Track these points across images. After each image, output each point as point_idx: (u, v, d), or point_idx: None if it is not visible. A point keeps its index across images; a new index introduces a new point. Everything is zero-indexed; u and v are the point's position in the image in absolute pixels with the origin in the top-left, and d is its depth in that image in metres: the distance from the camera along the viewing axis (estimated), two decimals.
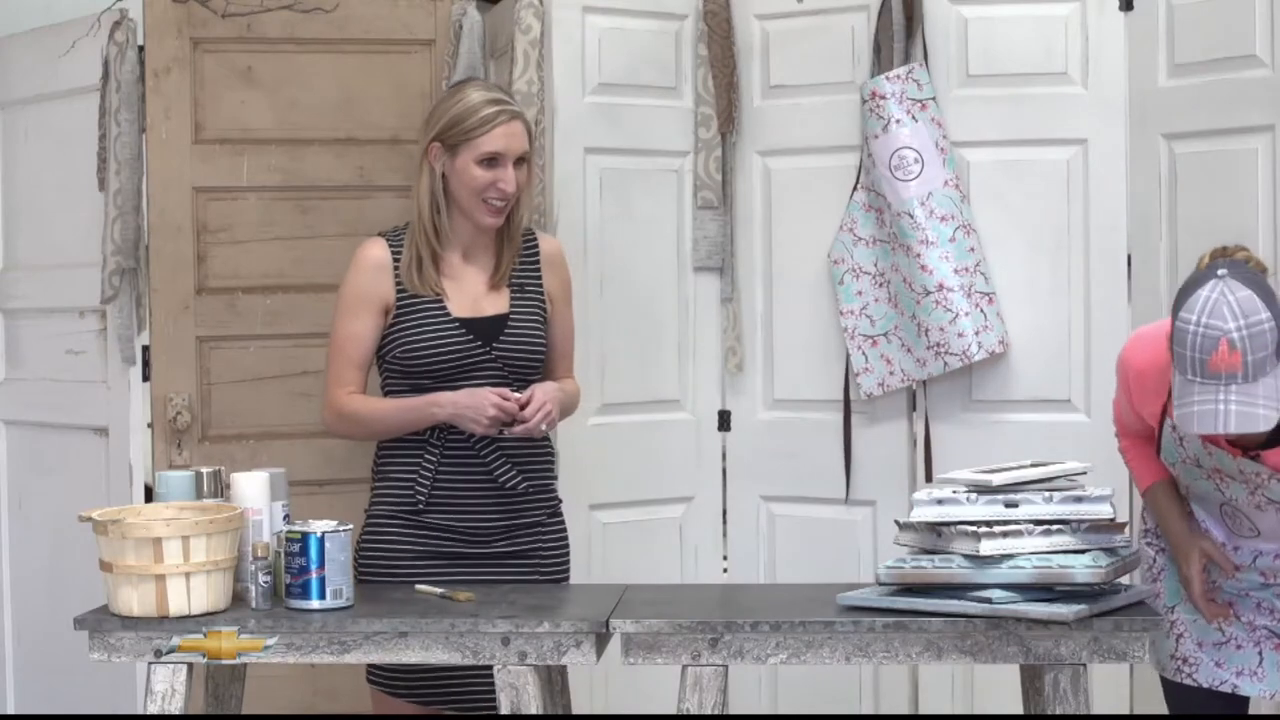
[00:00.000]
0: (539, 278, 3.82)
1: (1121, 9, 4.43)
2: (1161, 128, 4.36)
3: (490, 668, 3.33)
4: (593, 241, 4.57)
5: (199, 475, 3.51)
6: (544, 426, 3.64)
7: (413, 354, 3.69)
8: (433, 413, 3.66)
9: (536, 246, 3.85)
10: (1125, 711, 4.44)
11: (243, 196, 4.63)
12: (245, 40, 4.61)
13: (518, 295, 3.77)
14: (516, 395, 3.63)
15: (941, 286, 4.39)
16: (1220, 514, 3.39)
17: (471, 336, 3.70)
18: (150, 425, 4.67)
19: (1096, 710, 4.02)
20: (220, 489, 3.52)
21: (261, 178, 4.61)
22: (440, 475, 3.70)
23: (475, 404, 3.61)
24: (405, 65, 4.71)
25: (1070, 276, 4.46)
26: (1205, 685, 3.44)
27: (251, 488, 3.45)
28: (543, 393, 3.65)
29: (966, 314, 4.39)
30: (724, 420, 4.75)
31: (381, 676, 3.73)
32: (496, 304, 3.75)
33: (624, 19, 4.62)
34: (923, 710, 4.57)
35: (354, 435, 3.85)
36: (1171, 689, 3.51)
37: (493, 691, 3.55)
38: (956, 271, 4.40)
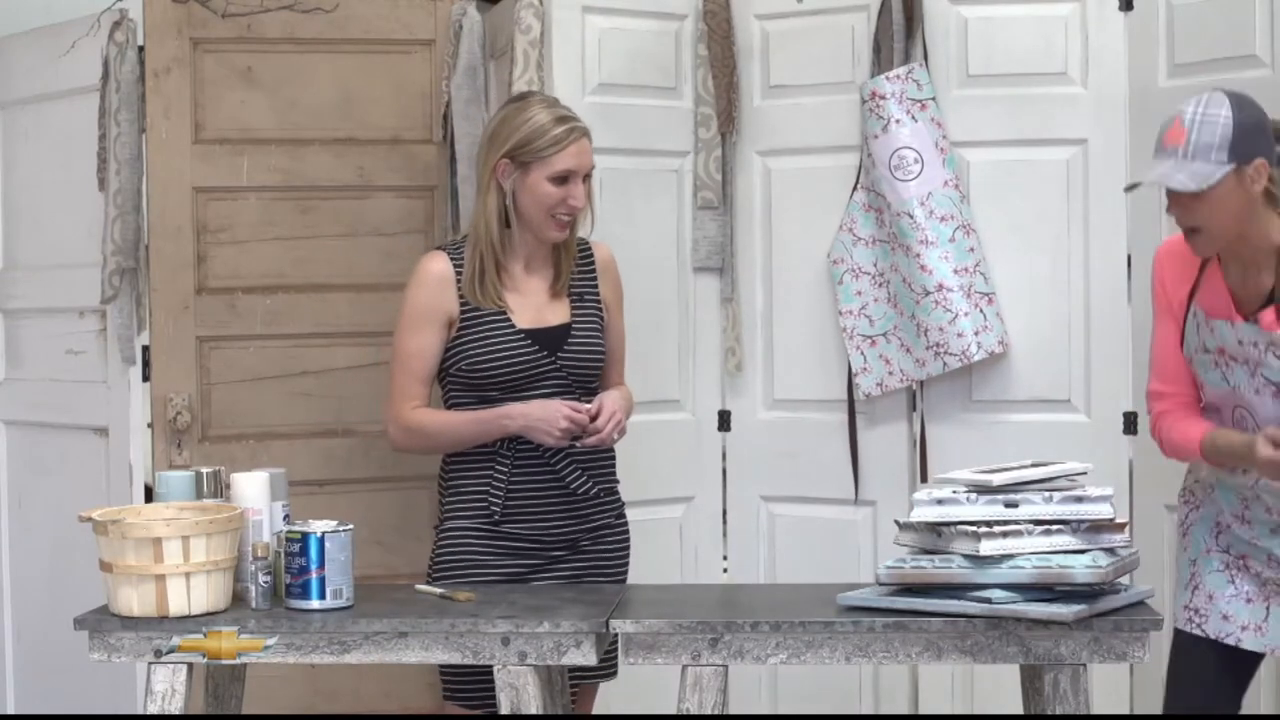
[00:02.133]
0: (596, 286, 3.87)
1: (1121, 9, 4.43)
2: None
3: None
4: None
5: (199, 475, 3.51)
6: (615, 435, 3.70)
7: (479, 366, 3.72)
8: (504, 425, 3.70)
9: (591, 255, 3.90)
10: (1125, 711, 4.44)
11: (243, 196, 4.63)
12: (245, 40, 4.61)
13: (577, 304, 3.82)
14: (586, 406, 3.68)
15: (941, 286, 4.39)
16: (1233, 424, 3.44)
17: (537, 347, 3.73)
18: (150, 425, 4.68)
19: (1096, 710, 4.02)
20: (220, 489, 3.52)
21: (261, 178, 4.62)
22: (513, 486, 3.74)
23: (547, 416, 3.65)
24: (405, 65, 4.71)
25: (1070, 276, 4.46)
26: (1211, 636, 3.47)
27: (251, 488, 3.45)
28: (611, 402, 3.71)
29: (966, 314, 4.39)
30: (724, 420, 4.75)
31: (460, 692, 3.72)
32: (558, 314, 3.79)
33: (624, 19, 4.62)
34: (923, 710, 4.57)
35: (422, 449, 3.88)
36: (1180, 640, 3.54)
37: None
38: (956, 271, 4.40)
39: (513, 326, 3.74)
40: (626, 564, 3.89)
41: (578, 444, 3.70)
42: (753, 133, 4.69)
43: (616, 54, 4.60)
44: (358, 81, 4.66)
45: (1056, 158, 4.47)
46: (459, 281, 3.77)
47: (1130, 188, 3.56)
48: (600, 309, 3.86)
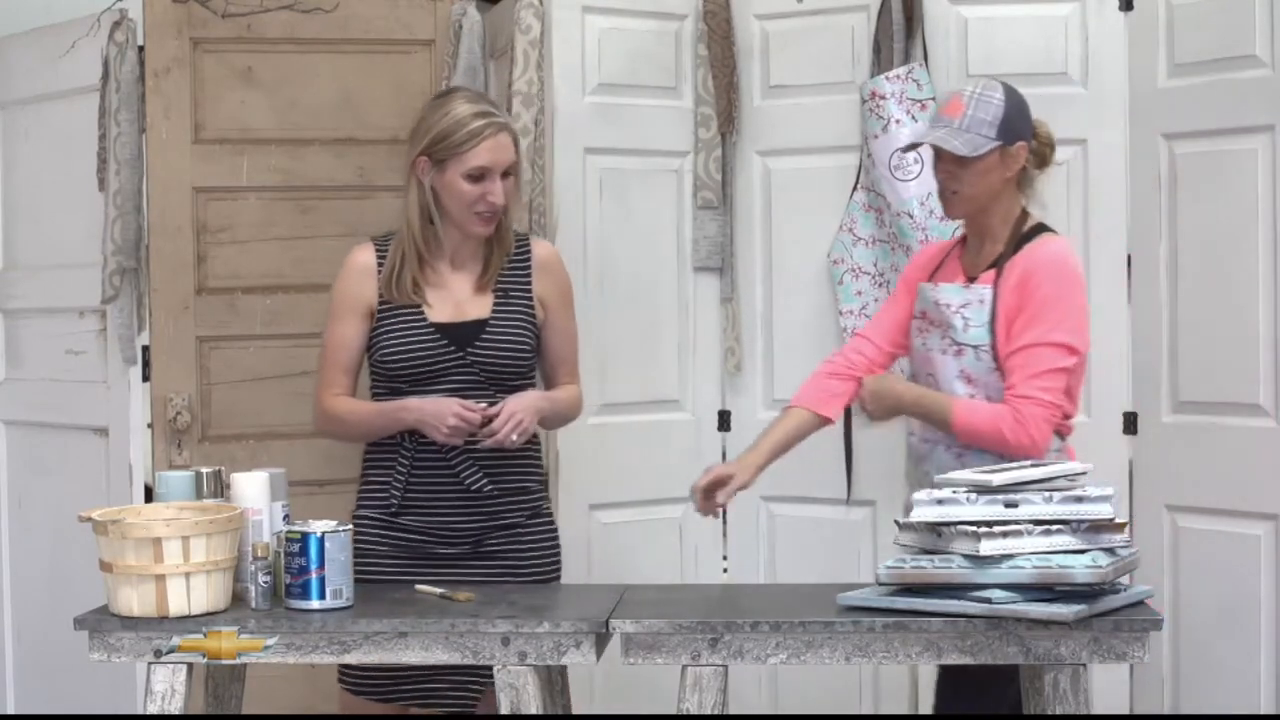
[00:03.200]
0: (528, 283, 3.81)
1: (1121, 9, 4.43)
2: (1161, 128, 4.36)
3: (452, 666, 3.40)
4: (593, 241, 4.57)
5: (199, 475, 3.51)
6: (514, 437, 3.64)
7: (389, 358, 3.71)
8: (400, 418, 3.69)
9: (529, 252, 3.83)
10: (1125, 711, 4.44)
11: (243, 196, 4.63)
12: (245, 40, 4.61)
13: (501, 300, 3.76)
14: (482, 407, 3.64)
15: None
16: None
17: (445, 342, 3.70)
18: (150, 425, 4.68)
19: (1096, 710, 4.02)
20: (220, 489, 3.52)
21: (261, 178, 4.61)
22: (413, 479, 3.72)
23: (438, 412, 3.63)
24: (405, 65, 4.71)
25: None
26: None
27: (251, 488, 3.45)
28: (513, 404, 3.66)
29: None
30: (724, 420, 4.75)
31: (346, 674, 3.74)
32: (479, 309, 3.75)
33: (624, 19, 4.62)
34: (923, 710, 4.57)
35: (339, 436, 3.89)
36: None
37: (455, 690, 3.67)
38: None
39: (424, 320, 3.71)
40: (552, 563, 3.81)
41: (482, 442, 3.66)
42: (753, 133, 4.69)
43: (616, 54, 4.60)
44: (358, 81, 4.66)
45: (1056, 158, 4.45)
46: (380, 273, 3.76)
47: (908, 148, 3.85)
48: (530, 307, 3.79)
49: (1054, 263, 3.63)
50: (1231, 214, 4.24)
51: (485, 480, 3.72)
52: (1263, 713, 4.23)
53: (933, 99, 4.44)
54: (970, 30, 4.50)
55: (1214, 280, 4.28)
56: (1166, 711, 4.40)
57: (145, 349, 4.63)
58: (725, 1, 4.67)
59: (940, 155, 3.69)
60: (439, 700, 3.71)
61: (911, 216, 4.40)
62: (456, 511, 3.72)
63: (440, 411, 3.63)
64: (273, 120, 4.61)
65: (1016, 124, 3.66)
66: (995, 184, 3.67)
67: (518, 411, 3.64)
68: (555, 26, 4.51)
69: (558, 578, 3.82)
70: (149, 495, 4.50)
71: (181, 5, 4.56)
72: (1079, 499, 3.26)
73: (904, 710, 4.58)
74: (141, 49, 4.57)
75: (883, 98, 4.43)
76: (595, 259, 4.57)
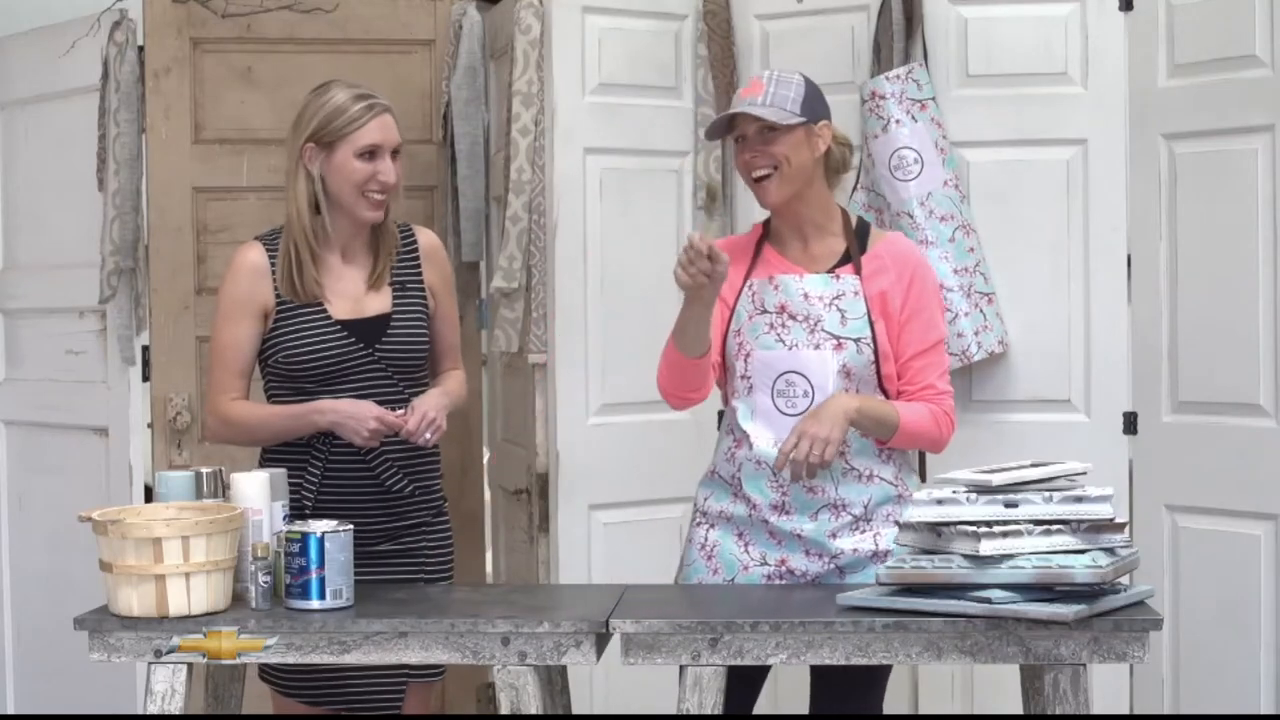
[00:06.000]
0: (419, 273, 3.79)
1: (1121, 9, 4.43)
2: (1161, 128, 4.36)
3: (375, 668, 3.45)
4: (593, 241, 4.57)
5: (199, 475, 3.50)
6: (428, 435, 3.64)
7: (294, 358, 3.67)
8: (314, 420, 3.65)
9: (415, 241, 3.82)
10: (1125, 711, 4.44)
11: (243, 196, 4.63)
12: (245, 40, 4.62)
13: (399, 293, 3.75)
14: (400, 414, 3.63)
15: (941, 287, 4.38)
16: (773, 396, 3.59)
17: (353, 339, 3.68)
18: (150, 425, 4.67)
19: (1096, 710, 4.02)
20: (220, 489, 3.52)
21: (261, 178, 4.62)
22: (326, 481, 3.70)
23: (357, 414, 3.61)
24: (405, 65, 4.71)
25: (1070, 276, 4.46)
26: None
27: (251, 488, 3.45)
28: (422, 404, 3.65)
29: (966, 314, 4.39)
30: (722, 419, 4.74)
31: (275, 676, 3.74)
32: (378, 304, 3.72)
33: (624, 19, 4.62)
34: (923, 710, 4.57)
35: (239, 441, 3.83)
36: None
37: (381, 692, 3.66)
38: (956, 272, 4.40)
39: (328, 318, 3.68)
40: (449, 562, 3.83)
41: (399, 442, 3.67)
42: None
43: (616, 54, 4.60)
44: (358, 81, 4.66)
45: (1056, 158, 4.47)
46: (274, 272, 3.70)
47: (711, 131, 3.69)
48: (424, 297, 3.78)
49: (925, 261, 3.70)
50: (1231, 214, 4.24)
51: (406, 481, 3.72)
52: (1263, 713, 4.23)
53: (932, 99, 4.44)
54: (970, 30, 4.50)
55: (1214, 280, 4.28)
56: (1166, 711, 4.40)
57: (145, 349, 4.63)
58: (725, 1, 4.67)
59: (746, 141, 3.58)
60: (364, 703, 3.71)
61: (911, 216, 4.40)
62: (373, 510, 3.69)
63: (359, 415, 3.60)
64: (273, 120, 4.61)
65: (817, 104, 3.59)
66: (805, 164, 3.57)
67: (429, 411, 3.64)
68: (555, 26, 4.51)
69: (452, 575, 3.84)
70: (149, 495, 4.50)
71: (181, 5, 4.56)
72: (1079, 499, 3.26)
73: (904, 710, 4.58)
74: (141, 49, 4.57)
75: (883, 98, 4.43)
76: (595, 259, 4.56)
